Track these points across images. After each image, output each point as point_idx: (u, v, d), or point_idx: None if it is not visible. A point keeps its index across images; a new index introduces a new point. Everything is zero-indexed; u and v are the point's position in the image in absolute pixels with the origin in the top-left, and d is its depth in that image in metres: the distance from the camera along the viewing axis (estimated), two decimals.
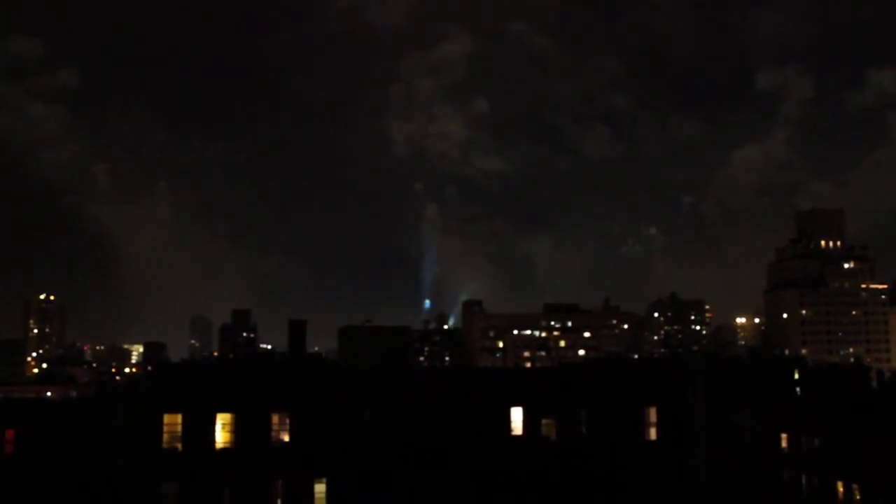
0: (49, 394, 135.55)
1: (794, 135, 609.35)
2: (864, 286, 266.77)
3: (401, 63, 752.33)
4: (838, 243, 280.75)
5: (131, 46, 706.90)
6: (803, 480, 64.23)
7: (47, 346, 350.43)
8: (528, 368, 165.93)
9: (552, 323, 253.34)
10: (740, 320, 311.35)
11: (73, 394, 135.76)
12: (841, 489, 60.44)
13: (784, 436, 66.42)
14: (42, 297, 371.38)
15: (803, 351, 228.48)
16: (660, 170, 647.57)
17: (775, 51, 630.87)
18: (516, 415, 51.95)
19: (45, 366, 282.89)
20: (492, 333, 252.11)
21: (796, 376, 78.19)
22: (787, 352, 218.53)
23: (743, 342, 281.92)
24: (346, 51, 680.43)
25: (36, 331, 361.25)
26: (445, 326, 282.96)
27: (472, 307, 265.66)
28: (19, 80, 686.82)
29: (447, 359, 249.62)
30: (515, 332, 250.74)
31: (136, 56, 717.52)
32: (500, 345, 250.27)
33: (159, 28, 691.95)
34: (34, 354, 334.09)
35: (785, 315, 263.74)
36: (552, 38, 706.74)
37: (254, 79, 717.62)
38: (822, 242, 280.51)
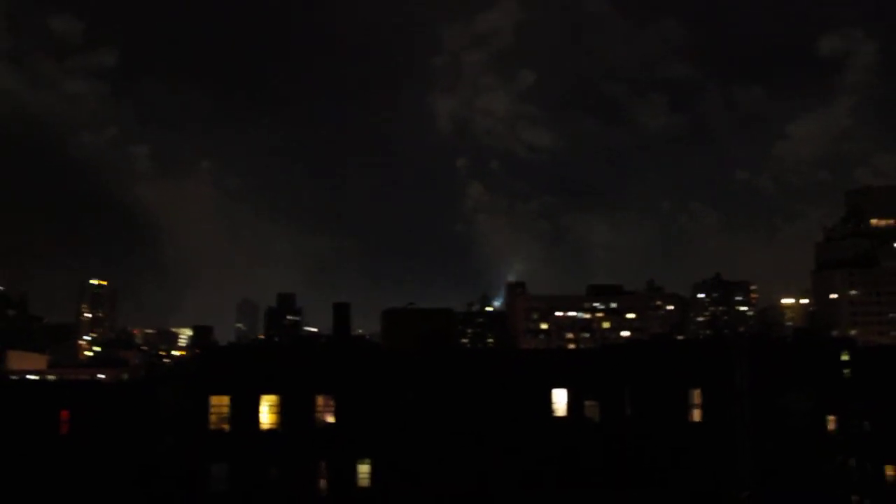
0: (101, 376, 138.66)
1: (857, 104, 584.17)
2: None
3: (445, 34, 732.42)
4: (890, 222, 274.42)
5: (171, 25, 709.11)
6: (853, 464, 63.30)
7: (99, 330, 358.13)
8: (572, 350, 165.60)
9: (596, 304, 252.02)
10: (787, 301, 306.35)
11: (125, 376, 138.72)
12: (892, 473, 59.51)
13: (832, 418, 65.39)
14: (94, 282, 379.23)
15: (853, 332, 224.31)
16: (717, 142, 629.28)
17: (839, 13, 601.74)
18: (559, 396, 51.90)
19: (97, 349, 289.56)
20: (535, 315, 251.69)
21: (845, 358, 76.85)
22: (835, 333, 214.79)
23: (791, 323, 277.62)
24: (388, 24, 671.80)
25: (88, 315, 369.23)
26: (489, 308, 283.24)
27: (515, 289, 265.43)
28: (60, 59, 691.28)
29: (490, 341, 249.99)
30: (559, 313, 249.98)
31: (176, 34, 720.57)
32: (544, 326, 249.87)
33: (199, 7, 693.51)
34: (87, 338, 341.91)
35: (834, 295, 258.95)
36: (605, 3, 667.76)
37: (296, 55, 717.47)
38: (873, 221, 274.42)
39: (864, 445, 62.09)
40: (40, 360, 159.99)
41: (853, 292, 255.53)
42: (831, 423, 65.48)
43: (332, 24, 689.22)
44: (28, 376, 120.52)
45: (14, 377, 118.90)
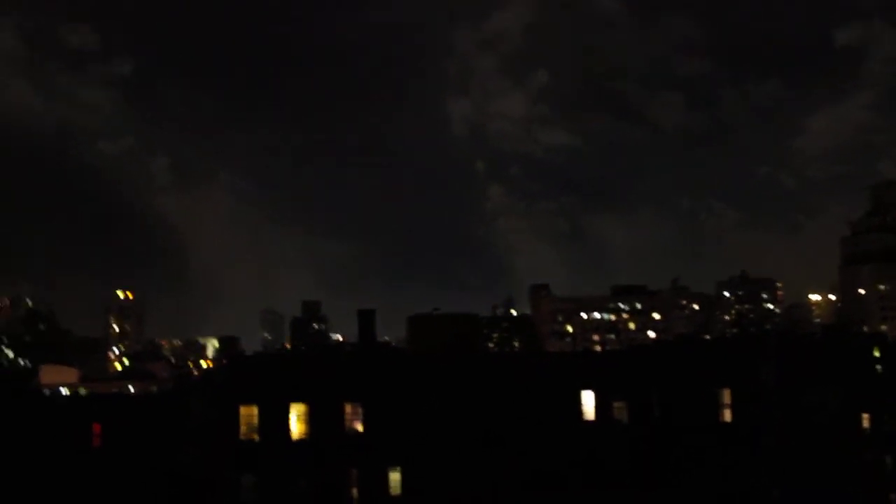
0: (131, 388, 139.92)
1: (877, 95, 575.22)
2: None
3: (455, 37, 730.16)
4: None
5: (185, 34, 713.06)
6: (888, 462, 62.53)
7: (127, 343, 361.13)
8: (599, 351, 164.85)
9: (620, 305, 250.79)
10: (814, 297, 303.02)
11: (154, 388, 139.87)
12: None
13: (865, 416, 64.66)
14: (121, 294, 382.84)
15: (883, 327, 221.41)
16: (735, 138, 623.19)
17: (856, 4, 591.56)
18: (587, 399, 51.78)
19: (126, 362, 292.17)
20: (560, 317, 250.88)
21: (876, 354, 76.00)
22: (865, 328, 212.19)
23: (819, 320, 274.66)
24: (398, 28, 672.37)
25: (116, 328, 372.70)
26: (513, 311, 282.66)
27: (539, 291, 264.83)
28: (75, 70, 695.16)
29: (516, 344, 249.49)
30: (584, 315, 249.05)
31: (190, 45, 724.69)
32: (569, 328, 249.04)
33: (213, 15, 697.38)
34: (115, 351, 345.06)
35: (861, 290, 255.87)
36: (617, 1, 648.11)
37: (309, 61, 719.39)
38: None
39: None
40: (72, 374, 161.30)
41: (882, 287, 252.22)
42: (865, 420, 64.75)
43: (344, 29, 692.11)
44: (61, 388, 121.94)
45: (47, 391, 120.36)
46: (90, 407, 54.63)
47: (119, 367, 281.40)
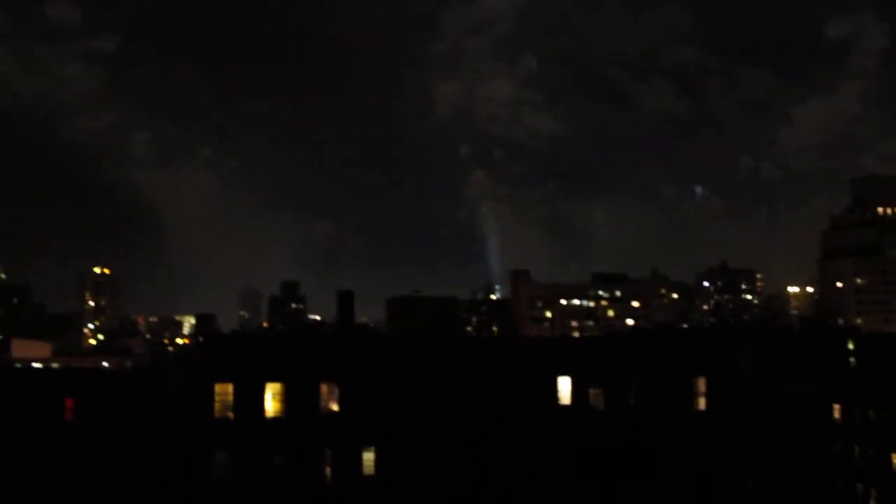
0: (105, 364, 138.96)
1: (865, 89, 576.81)
2: None
3: (445, 20, 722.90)
4: None
5: (171, 11, 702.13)
6: (857, 452, 63.22)
7: (102, 318, 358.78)
8: (576, 338, 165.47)
9: (600, 292, 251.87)
10: (793, 290, 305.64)
11: (129, 364, 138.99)
12: None
13: (837, 407, 65.34)
14: (97, 270, 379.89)
15: (858, 321, 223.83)
16: (722, 128, 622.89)
17: None
18: (564, 384, 51.81)
19: (101, 337, 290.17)
20: (539, 303, 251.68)
21: (851, 346, 76.75)
22: (841, 322, 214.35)
23: (796, 312, 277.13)
24: (387, 7, 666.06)
25: (92, 303, 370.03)
26: (493, 296, 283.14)
27: (519, 277, 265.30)
28: (57, 44, 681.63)
29: (495, 329, 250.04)
30: (563, 301, 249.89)
31: (176, 20, 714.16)
32: (548, 315, 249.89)
33: None
34: (90, 326, 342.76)
35: (839, 284, 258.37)
36: None
37: (295, 40, 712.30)
38: (880, 209, 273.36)
39: (869, 434, 61.98)
40: (44, 349, 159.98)
41: (859, 281, 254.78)
42: (836, 411, 65.44)
43: (332, 8, 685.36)
44: (33, 364, 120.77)
45: (19, 365, 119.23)
46: (63, 381, 53.99)
47: (94, 343, 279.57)
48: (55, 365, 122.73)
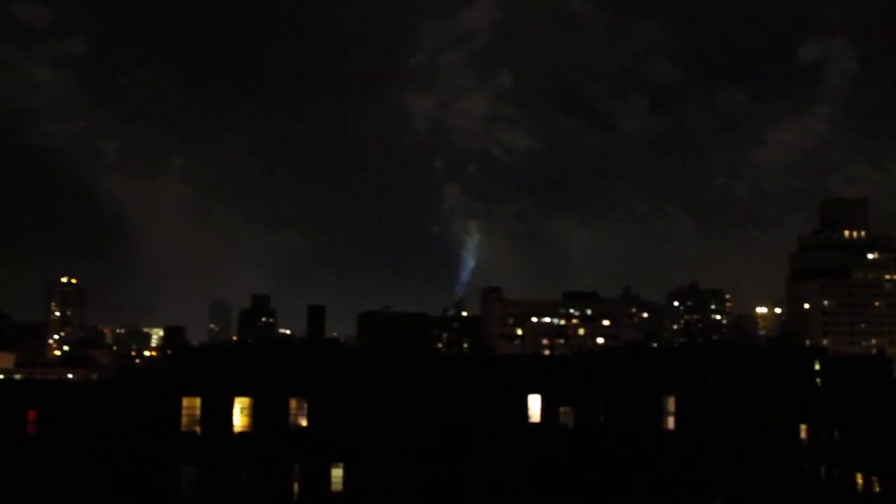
0: (70, 376, 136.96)
1: (835, 112, 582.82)
2: (887, 277, 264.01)
3: (422, 33, 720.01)
4: (862, 233, 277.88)
5: (143, 16, 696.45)
6: (822, 472, 63.82)
7: (69, 329, 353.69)
8: (547, 356, 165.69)
9: (571, 311, 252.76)
10: (761, 310, 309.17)
11: (94, 376, 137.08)
12: (860, 481, 60.00)
13: (804, 427, 65.99)
14: (64, 280, 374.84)
15: (825, 342, 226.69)
16: (696, 146, 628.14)
17: (822, 20, 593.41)
18: (534, 402, 51.82)
19: (66, 348, 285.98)
20: (510, 320, 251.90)
21: (817, 367, 77.57)
22: (808, 343, 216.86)
23: (764, 332, 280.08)
24: (365, 22, 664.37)
25: (58, 314, 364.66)
26: (464, 313, 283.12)
27: (491, 294, 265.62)
28: (27, 47, 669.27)
29: (465, 346, 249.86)
30: (534, 319, 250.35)
31: (148, 27, 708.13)
32: (519, 332, 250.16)
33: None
34: (56, 337, 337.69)
35: (806, 305, 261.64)
36: (586, 2, 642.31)
37: (271, 51, 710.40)
38: (846, 232, 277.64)
39: (835, 453, 62.60)
40: (7, 359, 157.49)
41: (826, 302, 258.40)
42: (803, 431, 66.08)
43: (308, 20, 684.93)
44: None
45: None
46: (25, 392, 53.01)
47: (59, 354, 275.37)
48: (18, 376, 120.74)
